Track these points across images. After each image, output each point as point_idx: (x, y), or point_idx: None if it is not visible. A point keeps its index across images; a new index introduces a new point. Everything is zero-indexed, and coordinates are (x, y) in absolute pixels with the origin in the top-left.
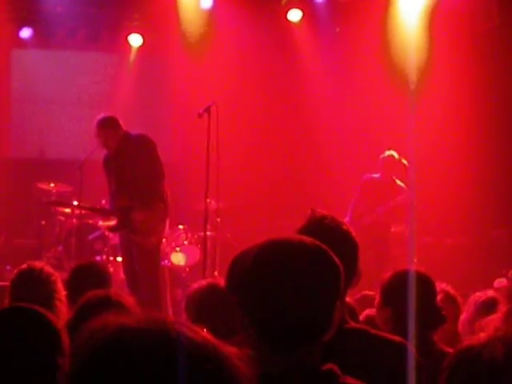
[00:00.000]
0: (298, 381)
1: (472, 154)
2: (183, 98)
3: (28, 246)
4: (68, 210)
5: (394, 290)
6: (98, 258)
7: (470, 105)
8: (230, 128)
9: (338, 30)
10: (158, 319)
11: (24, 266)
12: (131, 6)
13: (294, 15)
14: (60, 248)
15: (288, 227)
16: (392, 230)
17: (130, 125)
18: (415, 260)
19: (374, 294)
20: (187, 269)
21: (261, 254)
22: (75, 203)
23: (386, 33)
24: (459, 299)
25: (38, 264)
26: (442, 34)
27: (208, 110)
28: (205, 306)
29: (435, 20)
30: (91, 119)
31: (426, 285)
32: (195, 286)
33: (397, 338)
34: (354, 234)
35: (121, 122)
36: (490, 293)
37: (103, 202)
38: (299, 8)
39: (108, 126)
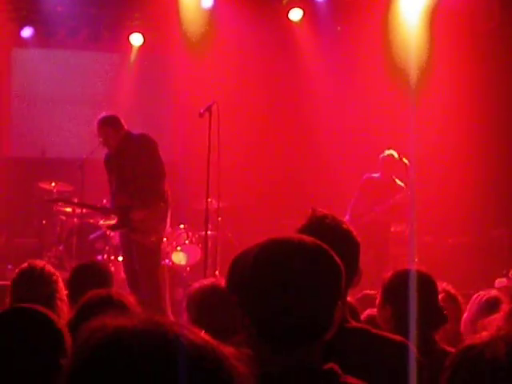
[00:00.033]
0: (298, 380)
1: (473, 153)
2: (184, 97)
3: (29, 245)
4: (69, 210)
5: (396, 290)
6: (99, 257)
7: (470, 104)
8: (230, 127)
9: (339, 29)
10: (156, 320)
11: (25, 265)
12: (132, 6)
13: (295, 14)
14: (61, 247)
15: (289, 226)
16: (392, 229)
17: (131, 124)
18: (416, 259)
19: (375, 293)
20: (188, 268)
21: (261, 254)
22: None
23: (387, 32)
24: (460, 299)
25: (38, 263)
26: (443, 34)
27: (209, 109)
28: (206, 306)
29: (436, 19)
30: (92, 119)
31: (427, 284)
32: (196, 285)
33: (398, 338)
34: (354, 233)
35: (122, 121)
36: (493, 292)
37: (104, 201)
38: (300, 7)
39: (109, 124)
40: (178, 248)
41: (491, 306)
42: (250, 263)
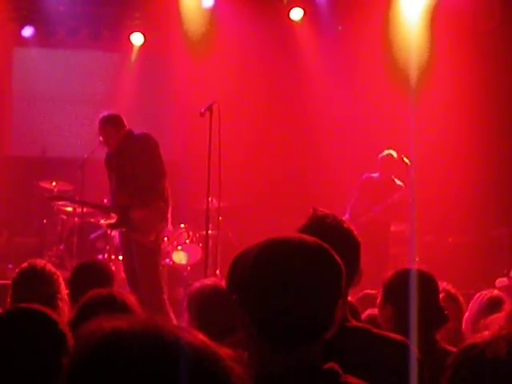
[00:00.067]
0: (299, 380)
1: (473, 152)
2: (185, 96)
3: (30, 244)
4: (70, 209)
5: (397, 289)
6: (99, 256)
7: (471, 103)
8: (231, 127)
9: (339, 28)
10: (154, 322)
11: (25, 264)
12: (133, 5)
13: (296, 14)
14: (62, 247)
15: (289, 226)
16: (392, 228)
17: (132, 123)
18: (417, 259)
19: (376, 293)
20: (189, 267)
21: (262, 253)
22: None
23: (388, 31)
24: (460, 298)
25: (39, 263)
26: (444, 33)
27: (210, 108)
28: (207, 305)
29: (437, 18)
30: (93, 118)
31: (428, 284)
32: (197, 285)
33: (399, 337)
34: (355, 232)
35: (124, 120)
36: (495, 292)
37: (105, 200)
38: (301, 7)
39: (110, 123)
40: (179, 247)
41: (493, 305)
42: (251, 263)
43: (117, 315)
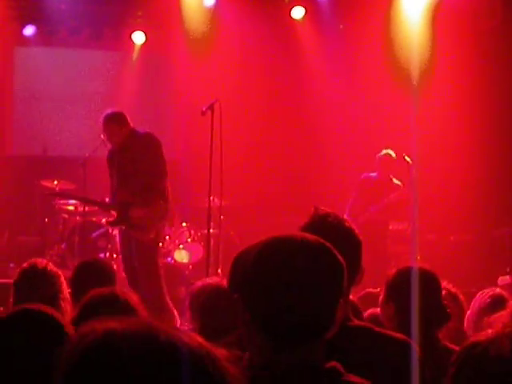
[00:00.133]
0: (301, 379)
1: (475, 151)
2: (186, 95)
3: (31, 243)
4: (71, 208)
5: (399, 287)
6: (101, 255)
7: (472, 102)
8: (233, 125)
9: (341, 27)
10: (147, 323)
11: (26, 264)
12: (134, 4)
13: (298, 12)
14: (63, 246)
15: (291, 225)
16: (390, 227)
17: (133, 122)
18: (418, 257)
19: (378, 291)
20: (190, 266)
21: (264, 252)
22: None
23: (390, 30)
24: (461, 297)
25: (40, 263)
26: (445, 32)
27: (211, 107)
28: (210, 305)
29: (438, 17)
30: (94, 117)
31: (430, 282)
32: (199, 284)
33: (400, 336)
34: (357, 231)
35: (128, 118)
36: (497, 290)
37: (106, 199)
38: (302, 5)
39: (113, 121)
40: (181, 246)
41: (495, 303)
42: (252, 261)
43: (118, 314)
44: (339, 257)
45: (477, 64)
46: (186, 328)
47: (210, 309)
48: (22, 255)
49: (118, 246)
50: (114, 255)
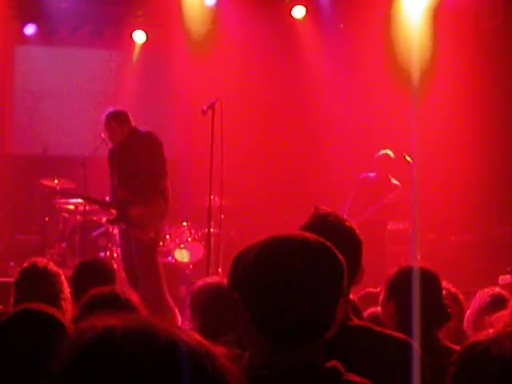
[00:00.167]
0: (301, 379)
1: (476, 151)
2: (187, 94)
3: (31, 242)
4: (72, 207)
5: (400, 286)
6: (101, 254)
7: (474, 102)
8: (233, 125)
9: (341, 26)
10: (147, 320)
11: (26, 264)
12: (135, 3)
13: (298, 12)
14: (63, 245)
15: (292, 224)
16: (389, 227)
17: (134, 121)
18: (418, 257)
19: (378, 291)
20: (191, 265)
21: (264, 251)
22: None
23: (390, 30)
24: (461, 297)
25: (40, 262)
26: (446, 31)
27: (212, 106)
28: (211, 304)
29: (439, 17)
30: (94, 116)
31: (431, 281)
32: (200, 283)
33: (400, 336)
34: (357, 231)
35: (130, 117)
36: (497, 289)
37: (107, 198)
38: (303, 5)
39: (114, 119)
40: (181, 245)
41: (494, 303)
42: (253, 261)
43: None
44: (339, 256)
45: (478, 63)
46: (187, 327)
47: (210, 308)
48: (22, 254)
49: (118, 244)
50: (115, 254)
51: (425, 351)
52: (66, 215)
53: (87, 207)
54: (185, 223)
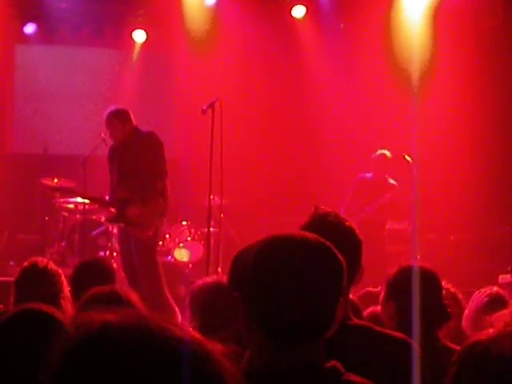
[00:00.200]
0: (301, 378)
1: (476, 150)
2: (187, 93)
3: (31, 241)
4: (72, 206)
5: (400, 285)
6: (101, 253)
7: (473, 102)
8: (233, 124)
9: (341, 26)
10: (142, 316)
11: (26, 264)
12: (135, 2)
13: (298, 11)
14: (63, 244)
15: (291, 224)
16: (387, 226)
17: (134, 121)
18: (418, 257)
19: (378, 290)
20: (190, 265)
21: (264, 251)
22: (79, 199)
23: (390, 29)
24: (460, 296)
25: (40, 262)
26: (446, 31)
27: (212, 106)
28: (209, 304)
29: (439, 17)
30: (95, 115)
31: (431, 281)
32: (199, 282)
33: (400, 335)
34: (357, 230)
35: (132, 116)
36: (494, 289)
37: (107, 198)
38: (303, 4)
39: (116, 118)
40: (181, 245)
41: (492, 302)
42: (252, 260)
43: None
44: (339, 256)
45: (478, 63)
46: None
47: (210, 307)
48: (22, 253)
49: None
50: (114, 253)
51: (425, 351)
52: (66, 214)
53: (87, 206)
54: (184, 222)
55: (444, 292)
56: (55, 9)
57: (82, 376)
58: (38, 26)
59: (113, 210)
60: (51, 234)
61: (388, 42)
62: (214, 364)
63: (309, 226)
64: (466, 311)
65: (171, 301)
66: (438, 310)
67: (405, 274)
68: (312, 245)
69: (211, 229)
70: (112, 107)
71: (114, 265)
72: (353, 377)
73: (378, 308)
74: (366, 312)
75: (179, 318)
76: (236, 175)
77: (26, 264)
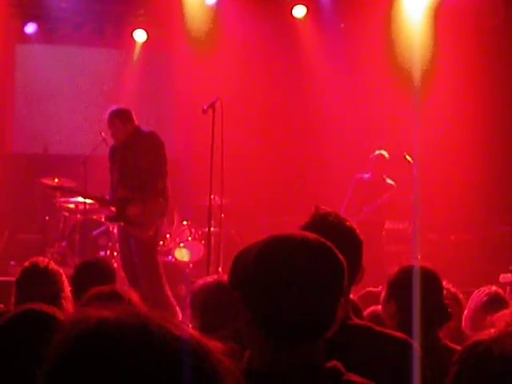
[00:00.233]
0: (301, 378)
1: (477, 150)
2: (187, 93)
3: (32, 241)
4: (72, 206)
5: (401, 285)
6: (101, 253)
7: (475, 102)
8: (234, 124)
9: (342, 26)
10: (139, 313)
11: (28, 263)
12: (136, 2)
13: (299, 11)
14: (64, 243)
15: (292, 224)
16: (386, 226)
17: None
18: (419, 256)
19: (378, 290)
20: (191, 265)
21: (264, 250)
22: (79, 199)
23: (391, 29)
24: (461, 296)
25: (41, 262)
26: (447, 31)
27: (212, 105)
28: (210, 303)
29: (440, 16)
30: (95, 115)
31: (432, 281)
32: (200, 282)
33: (401, 335)
34: (357, 230)
35: (133, 116)
36: (493, 288)
37: (107, 197)
38: (304, 4)
39: (118, 117)
40: (181, 244)
41: (491, 301)
42: (253, 260)
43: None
44: (340, 256)
45: (479, 63)
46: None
47: (210, 307)
48: (22, 253)
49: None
50: (115, 253)
51: (425, 351)
52: (67, 214)
53: (87, 206)
54: (185, 222)
55: (445, 292)
56: (56, 8)
57: (78, 372)
58: (39, 25)
59: (113, 208)
60: (52, 233)
61: (389, 42)
62: (213, 362)
63: (309, 226)
64: (466, 311)
65: (172, 300)
66: (438, 309)
67: (406, 274)
68: (312, 245)
69: (212, 228)
70: (114, 107)
71: (115, 264)
72: (353, 377)
73: (379, 308)
74: (367, 312)
75: (180, 317)
76: (236, 175)
77: (26, 264)
